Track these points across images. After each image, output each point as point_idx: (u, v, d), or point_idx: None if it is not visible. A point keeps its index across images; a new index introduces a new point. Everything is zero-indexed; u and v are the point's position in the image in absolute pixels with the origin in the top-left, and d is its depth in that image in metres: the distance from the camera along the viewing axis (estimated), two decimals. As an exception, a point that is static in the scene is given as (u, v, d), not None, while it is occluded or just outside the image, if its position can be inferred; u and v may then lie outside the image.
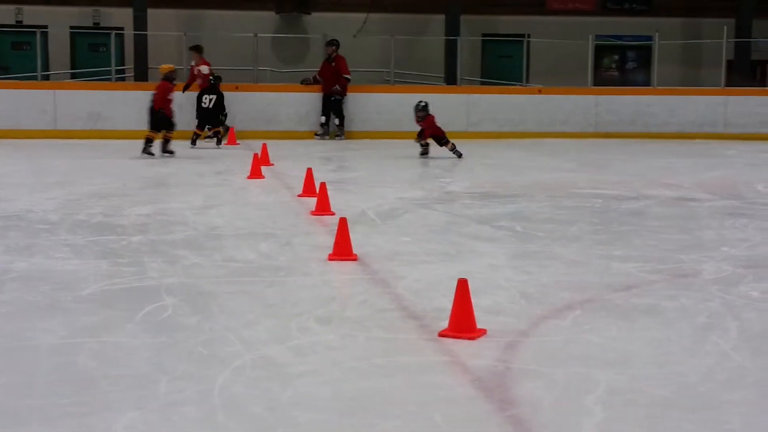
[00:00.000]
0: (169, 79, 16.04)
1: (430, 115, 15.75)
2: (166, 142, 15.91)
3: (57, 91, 19.09)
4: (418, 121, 15.72)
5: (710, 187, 12.44)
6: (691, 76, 23.45)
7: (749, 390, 4.74)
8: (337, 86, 19.11)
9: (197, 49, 19.09)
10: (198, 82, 18.58)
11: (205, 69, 18.53)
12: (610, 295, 6.61)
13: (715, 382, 4.83)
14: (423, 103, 15.78)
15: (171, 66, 16.38)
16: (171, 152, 15.77)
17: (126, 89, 19.80)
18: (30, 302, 6.25)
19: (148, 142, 15.72)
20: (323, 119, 19.25)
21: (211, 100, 18.08)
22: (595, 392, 4.61)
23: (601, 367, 4.99)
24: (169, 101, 16.00)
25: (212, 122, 18.05)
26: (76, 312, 6.02)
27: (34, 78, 20.08)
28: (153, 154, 15.65)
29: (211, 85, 18.23)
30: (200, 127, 18.00)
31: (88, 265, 7.39)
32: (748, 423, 4.29)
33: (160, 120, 15.76)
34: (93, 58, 22.82)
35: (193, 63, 19.01)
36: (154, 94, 15.94)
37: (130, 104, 18.93)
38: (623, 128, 19.92)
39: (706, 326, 5.83)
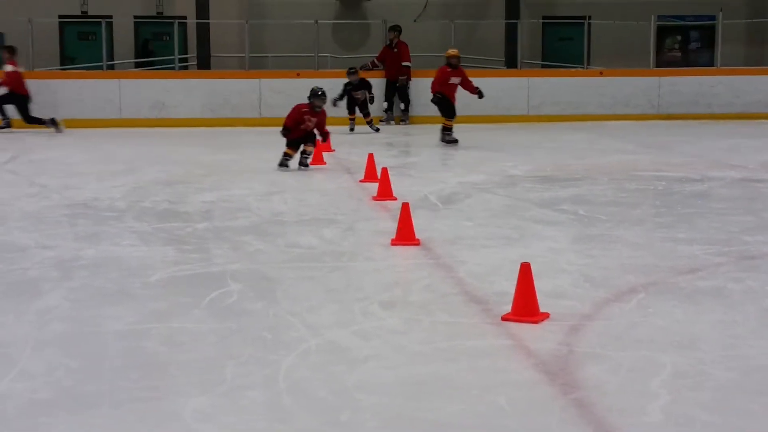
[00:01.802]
0: (451, 64, 15.57)
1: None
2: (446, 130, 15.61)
3: (122, 80, 19.30)
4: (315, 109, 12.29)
5: (776, 168, 12.25)
6: (756, 56, 23.08)
7: (818, 373, 4.68)
8: (404, 77, 19.08)
9: (10, 50, 18.35)
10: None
11: (8, 68, 17.85)
12: (674, 277, 6.55)
13: (783, 365, 4.77)
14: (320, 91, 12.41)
15: (455, 51, 15.94)
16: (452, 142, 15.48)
17: (189, 77, 19.96)
18: (98, 289, 6.35)
19: (446, 130, 15.51)
20: (386, 105, 19.25)
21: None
22: (660, 375, 4.57)
23: (666, 350, 4.95)
24: (451, 86, 15.50)
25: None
26: (144, 298, 6.09)
27: (100, 68, 20.32)
28: (456, 140, 15.44)
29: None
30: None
31: (155, 251, 7.47)
32: (818, 406, 4.24)
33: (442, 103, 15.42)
34: (156, 49, 23.04)
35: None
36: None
37: (193, 92, 19.09)
38: (686, 110, 19.65)
39: (774, 309, 5.76)
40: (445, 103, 15.49)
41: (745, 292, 6.11)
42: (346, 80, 17.77)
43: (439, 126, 15.70)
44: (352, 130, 17.73)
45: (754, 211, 9.18)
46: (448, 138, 15.51)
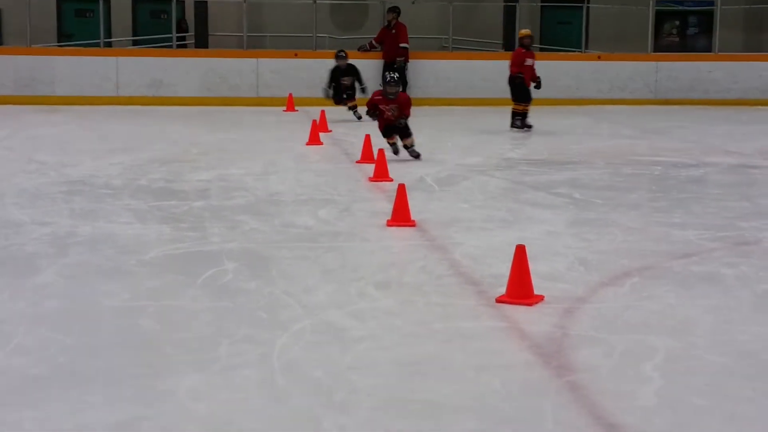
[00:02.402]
0: (525, 45, 15.20)
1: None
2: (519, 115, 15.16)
3: (119, 58, 19.24)
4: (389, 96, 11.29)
5: (772, 155, 12.25)
6: (754, 42, 23.05)
7: (811, 359, 4.69)
8: (402, 58, 18.97)
9: None
10: None
11: None
12: (669, 262, 6.55)
13: (776, 351, 4.78)
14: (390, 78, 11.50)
15: (527, 31, 15.56)
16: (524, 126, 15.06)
17: (187, 56, 19.90)
18: (94, 266, 6.34)
19: (517, 115, 15.07)
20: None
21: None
22: (653, 359, 4.58)
23: (660, 334, 4.95)
24: (527, 68, 15.04)
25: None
26: (139, 276, 6.09)
27: (97, 45, 20.26)
28: (529, 127, 15.07)
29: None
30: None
31: (151, 229, 7.47)
32: (810, 392, 4.25)
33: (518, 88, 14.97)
34: (154, 25, 22.96)
35: None
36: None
37: (191, 71, 19.05)
38: (683, 95, 19.64)
39: (767, 294, 5.76)
40: (521, 87, 14.99)
41: (739, 278, 6.12)
42: (334, 63, 16.37)
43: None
44: (359, 118, 15.72)
45: (749, 197, 9.20)
46: (519, 123, 15.00)
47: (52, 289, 5.78)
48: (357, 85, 16.31)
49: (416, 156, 11.28)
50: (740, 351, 4.74)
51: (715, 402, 4.08)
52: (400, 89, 11.43)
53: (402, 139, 11.26)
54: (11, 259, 6.53)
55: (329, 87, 16.17)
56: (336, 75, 16.21)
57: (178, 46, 20.99)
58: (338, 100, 16.24)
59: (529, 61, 15.10)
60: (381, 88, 11.42)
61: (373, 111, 11.24)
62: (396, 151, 11.30)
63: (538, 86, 15.17)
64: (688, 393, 4.19)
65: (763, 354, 4.72)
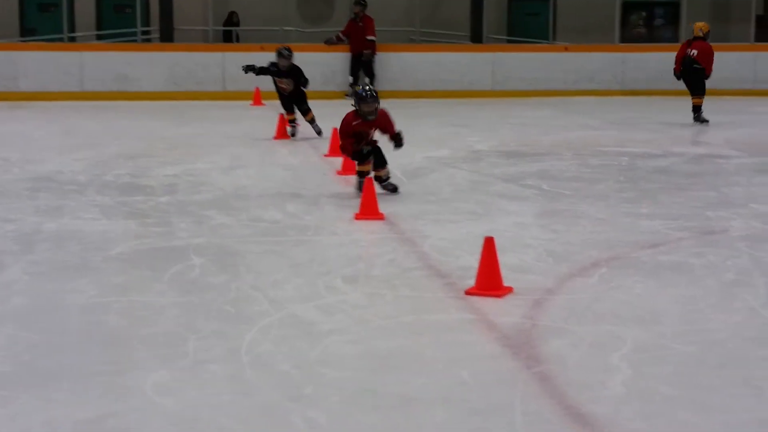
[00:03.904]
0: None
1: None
2: None
3: (83, 52, 19.09)
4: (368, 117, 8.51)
5: (738, 144, 12.34)
6: (720, 33, 23.16)
7: (777, 347, 4.74)
8: (369, 51, 18.95)
9: None
10: None
11: None
12: (636, 252, 6.59)
13: (744, 339, 4.82)
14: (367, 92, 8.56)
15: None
16: None
17: (152, 50, 19.78)
18: (60, 262, 6.31)
19: None
20: (351, 79, 19.18)
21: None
22: (621, 349, 4.61)
23: (628, 324, 4.99)
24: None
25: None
26: (106, 272, 6.06)
27: (61, 40, 20.11)
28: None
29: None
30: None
31: (117, 225, 7.43)
32: (776, 379, 4.29)
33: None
34: (118, 19, 22.79)
35: None
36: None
37: (156, 65, 18.93)
38: (650, 86, 19.72)
39: (734, 283, 5.81)
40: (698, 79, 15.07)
41: (706, 267, 6.17)
42: (272, 60, 13.04)
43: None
44: (293, 135, 13.06)
45: (716, 187, 9.26)
46: (701, 117, 14.98)
47: (18, 286, 5.74)
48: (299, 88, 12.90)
49: (393, 190, 8.66)
50: (708, 340, 4.78)
51: (683, 391, 4.12)
52: (378, 104, 8.46)
53: (375, 169, 8.57)
54: (-25, 256, 6.48)
55: (253, 71, 12.90)
56: (271, 72, 12.91)
57: (143, 41, 20.85)
58: (287, 107, 13.09)
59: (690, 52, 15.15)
60: (355, 108, 8.42)
61: (358, 148, 8.48)
62: (361, 183, 8.30)
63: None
64: (656, 382, 4.22)
65: (731, 343, 4.77)
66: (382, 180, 8.61)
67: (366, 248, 6.93)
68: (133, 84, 18.77)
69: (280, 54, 12.92)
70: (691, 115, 14.90)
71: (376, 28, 19.18)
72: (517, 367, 4.42)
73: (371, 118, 8.39)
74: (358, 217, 7.59)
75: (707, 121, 14.89)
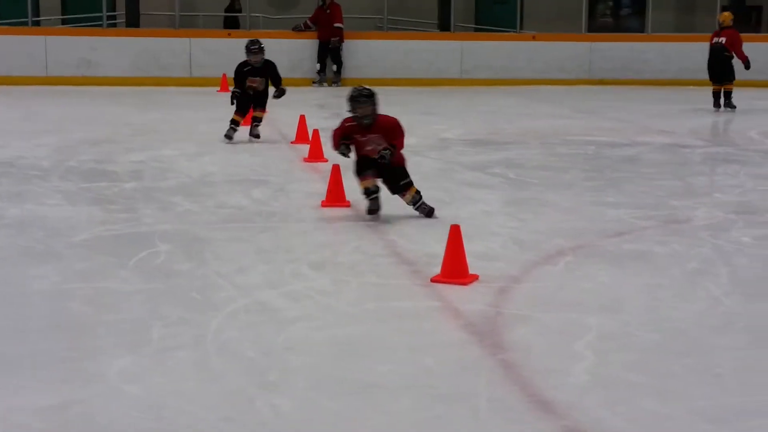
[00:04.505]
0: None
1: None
2: None
3: (48, 37, 18.93)
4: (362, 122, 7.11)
5: (703, 134, 12.45)
6: (686, 23, 23.32)
7: (740, 335, 4.79)
8: (336, 38, 18.91)
9: None
10: None
11: None
12: (601, 241, 6.64)
13: (706, 327, 4.87)
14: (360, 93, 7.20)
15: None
16: None
17: (118, 35, 19.62)
18: (23, 248, 6.26)
19: None
20: (318, 66, 19.15)
21: None
22: (586, 337, 4.64)
23: (593, 312, 5.02)
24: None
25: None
26: (70, 258, 6.03)
27: (25, 24, 19.92)
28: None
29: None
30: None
31: (81, 211, 7.39)
32: (739, 367, 4.33)
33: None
34: (82, 5, 22.58)
35: None
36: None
37: (122, 51, 18.79)
38: (617, 75, 19.83)
39: (698, 272, 5.86)
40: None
41: (670, 256, 6.22)
42: (242, 61, 11.40)
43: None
44: (257, 136, 11.36)
45: (681, 176, 9.33)
46: (731, 103, 15.32)
47: (-20, 272, 5.71)
48: (270, 89, 11.46)
49: (429, 213, 7.20)
50: (671, 328, 4.82)
51: (647, 378, 4.16)
52: (377, 108, 7.10)
53: (400, 193, 7.17)
54: (-63, 242, 6.43)
55: (235, 97, 11.18)
56: (243, 74, 11.25)
57: (109, 26, 20.69)
58: (242, 107, 11.24)
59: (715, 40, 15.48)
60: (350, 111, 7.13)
61: (346, 146, 7.12)
62: (374, 209, 7.15)
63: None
64: (619, 370, 4.25)
65: (694, 331, 4.82)
66: (412, 205, 7.16)
67: (332, 235, 6.93)
68: (98, 69, 18.62)
69: (249, 50, 11.31)
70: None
71: (344, 16, 19.14)
72: (482, 354, 4.44)
73: (366, 122, 6.98)
74: (324, 204, 7.59)
75: (735, 107, 15.20)
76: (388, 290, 5.42)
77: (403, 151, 7.13)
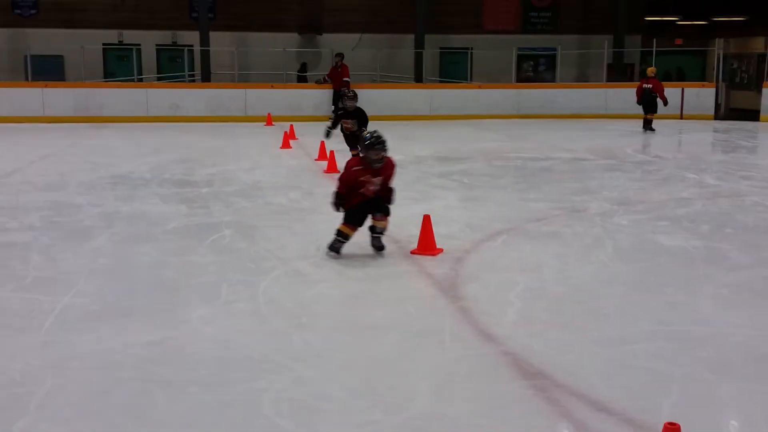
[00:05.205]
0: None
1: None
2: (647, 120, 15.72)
3: (148, 89, 18.85)
4: (374, 165, 5.40)
5: (595, 151, 12.43)
6: (583, 75, 23.28)
7: (620, 287, 4.80)
8: (345, 88, 18.84)
9: None
10: None
11: None
12: (526, 225, 6.64)
13: (597, 282, 4.89)
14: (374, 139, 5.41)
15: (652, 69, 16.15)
16: None
17: (196, 87, 19.55)
18: (132, 234, 6.26)
19: None
20: (333, 107, 19.06)
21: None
22: (515, 290, 4.65)
23: (520, 273, 5.03)
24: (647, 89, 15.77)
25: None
26: (164, 240, 6.02)
27: (132, 80, 19.84)
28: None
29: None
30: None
31: (172, 208, 7.37)
32: (620, 309, 4.35)
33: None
34: (172, 67, 22.51)
35: None
36: None
37: (199, 97, 18.73)
38: (537, 111, 19.78)
39: (592, 245, 5.87)
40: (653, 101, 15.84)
41: (573, 234, 6.23)
42: (338, 106, 10.59)
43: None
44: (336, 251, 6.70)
45: (580, 180, 9.32)
46: (651, 127, 15.68)
47: (103, 250, 5.70)
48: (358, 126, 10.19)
49: (381, 248, 5.49)
50: (573, 283, 4.84)
51: (556, 318, 4.17)
52: (386, 152, 5.39)
53: (374, 218, 5.46)
54: (74, 230, 6.41)
55: (331, 128, 10.44)
56: (339, 117, 10.39)
57: (189, 80, 20.59)
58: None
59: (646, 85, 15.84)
60: (358, 153, 5.56)
61: (342, 205, 5.50)
62: (336, 250, 5.44)
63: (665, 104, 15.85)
64: (538, 311, 4.27)
65: (589, 285, 4.83)
66: (376, 231, 5.47)
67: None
68: (183, 110, 18.55)
69: (347, 97, 10.26)
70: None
71: (350, 72, 19.09)
72: (445, 303, 4.45)
73: (377, 165, 5.37)
74: (338, 201, 7.56)
75: (654, 130, 15.64)
76: (381, 260, 5.42)
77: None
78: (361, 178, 5.41)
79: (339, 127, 10.25)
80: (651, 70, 16.07)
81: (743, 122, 18.03)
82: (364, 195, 5.42)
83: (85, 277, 4.94)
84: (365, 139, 5.40)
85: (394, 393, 3.24)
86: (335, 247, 5.46)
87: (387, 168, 5.45)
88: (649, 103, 15.85)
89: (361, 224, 5.45)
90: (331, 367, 3.50)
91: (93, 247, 5.78)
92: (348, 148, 10.25)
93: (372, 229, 5.49)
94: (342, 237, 5.46)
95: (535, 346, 3.73)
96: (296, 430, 2.93)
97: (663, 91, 15.78)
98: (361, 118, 10.26)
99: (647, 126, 15.81)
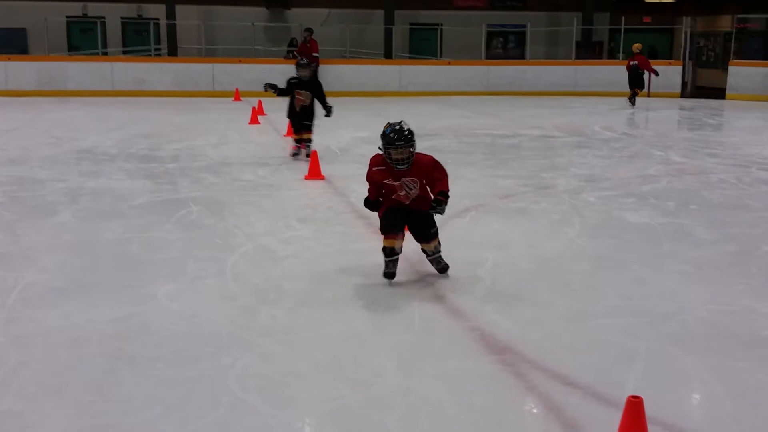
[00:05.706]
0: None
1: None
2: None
3: (114, 62, 18.53)
4: (396, 166, 4.38)
5: (563, 128, 12.49)
6: (552, 52, 23.36)
7: (587, 263, 4.84)
8: (314, 63, 18.68)
9: None
10: None
11: None
12: (495, 201, 6.66)
13: (565, 258, 4.92)
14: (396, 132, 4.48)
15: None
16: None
17: (162, 61, 19.26)
18: (98, 209, 6.16)
19: None
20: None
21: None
22: (484, 266, 4.67)
23: (489, 249, 5.05)
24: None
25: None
26: (130, 216, 5.94)
27: (96, 53, 19.48)
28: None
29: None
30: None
31: (138, 184, 7.27)
32: (587, 285, 4.39)
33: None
34: (137, 40, 22.14)
35: None
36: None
37: (165, 72, 18.46)
38: (506, 88, 19.81)
39: (559, 221, 5.91)
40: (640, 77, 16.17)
41: (541, 211, 6.26)
42: (279, 64, 9.73)
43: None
44: (307, 156, 8.51)
45: (548, 157, 9.37)
46: (634, 101, 16.10)
47: (67, 226, 5.61)
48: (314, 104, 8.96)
49: (443, 269, 4.51)
50: (542, 259, 4.87)
51: (525, 293, 4.20)
52: (414, 148, 4.46)
53: (427, 240, 4.43)
54: (37, 205, 6.30)
55: (276, 89, 8.72)
56: (291, 86, 8.87)
57: (156, 54, 20.28)
58: (294, 122, 8.91)
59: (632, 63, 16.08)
60: (380, 151, 4.49)
61: (374, 202, 4.50)
62: (391, 273, 4.35)
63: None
64: (506, 287, 4.29)
65: (557, 260, 4.86)
66: (429, 254, 4.48)
67: (312, 199, 6.87)
68: (148, 85, 18.28)
69: (299, 65, 8.94)
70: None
71: (319, 48, 18.93)
72: (416, 279, 4.45)
73: (401, 167, 4.34)
74: (306, 178, 7.53)
75: (634, 106, 16.08)
76: (350, 237, 5.41)
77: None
78: (386, 181, 4.34)
79: (290, 100, 8.80)
80: (636, 47, 16.25)
81: (709, 100, 18.24)
82: (398, 200, 4.35)
83: (48, 253, 4.86)
84: (383, 133, 4.35)
85: (361, 369, 3.24)
86: (387, 273, 4.33)
87: (421, 167, 4.38)
88: (636, 79, 16.17)
89: (400, 230, 4.31)
90: (299, 343, 3.49)
91: (57, 223, 5.69)
92: (290, 123, 8.88)
93: (423, 251, 4.49)
94: (386, 254, 4.30)
95: (503, 322, 3.75)
96: (263, 405, 2.92)
97: (650, 64, 16.23)
98: (316, 90, 8.91)
99: (632, 101, 16.21)
